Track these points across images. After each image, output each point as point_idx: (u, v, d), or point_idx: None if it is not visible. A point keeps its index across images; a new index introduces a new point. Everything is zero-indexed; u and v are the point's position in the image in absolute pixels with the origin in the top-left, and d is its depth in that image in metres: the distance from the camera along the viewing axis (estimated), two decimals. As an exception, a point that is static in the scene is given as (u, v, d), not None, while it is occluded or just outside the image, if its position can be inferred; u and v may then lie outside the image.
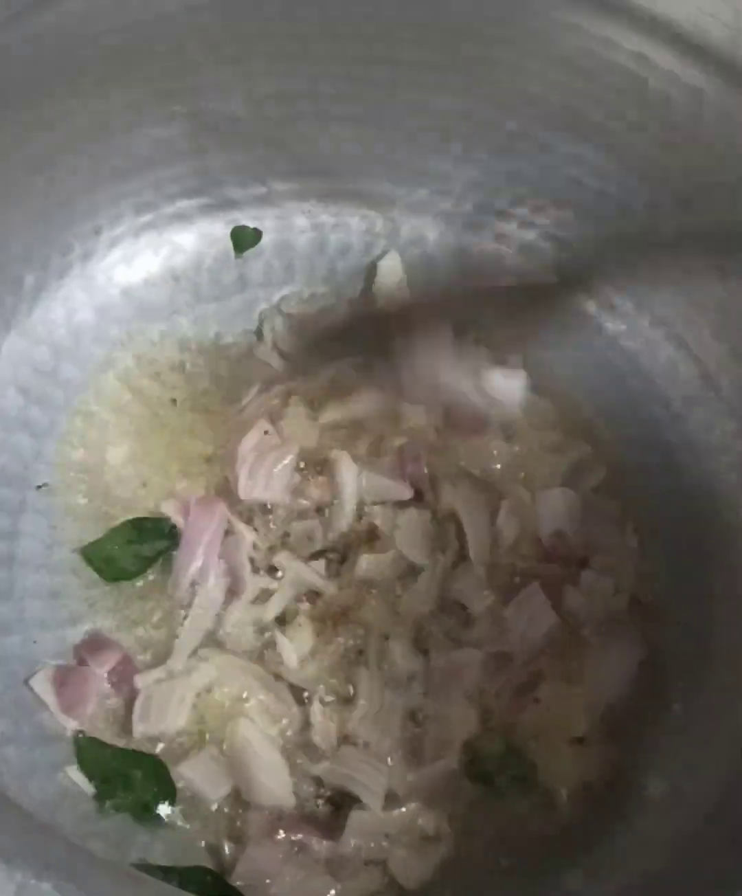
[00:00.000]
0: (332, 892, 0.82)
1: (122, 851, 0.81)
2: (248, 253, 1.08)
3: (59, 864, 0.59)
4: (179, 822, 0.85)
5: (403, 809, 0.85)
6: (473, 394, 0.96)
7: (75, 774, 0.84)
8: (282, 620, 0.92)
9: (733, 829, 0.79)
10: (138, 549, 0.92)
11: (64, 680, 0.87)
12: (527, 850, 0.85)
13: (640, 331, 1.05)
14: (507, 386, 0.97)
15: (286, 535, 0.96)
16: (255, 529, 0.95)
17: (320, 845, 0.83)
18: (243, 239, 1.07)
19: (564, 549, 0.94)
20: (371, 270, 1.08)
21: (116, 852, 0.80)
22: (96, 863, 0.69)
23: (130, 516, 0.95)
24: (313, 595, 0.94)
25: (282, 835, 0.83)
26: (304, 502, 0.96)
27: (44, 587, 0.91)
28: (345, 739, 0.87)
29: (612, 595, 0.94)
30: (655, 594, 0.96)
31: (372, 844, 0.84)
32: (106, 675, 0.88)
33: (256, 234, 1.08)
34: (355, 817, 0.83)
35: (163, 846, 0.82)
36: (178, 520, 0.93)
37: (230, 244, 1.08)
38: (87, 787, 0.83)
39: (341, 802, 0.86)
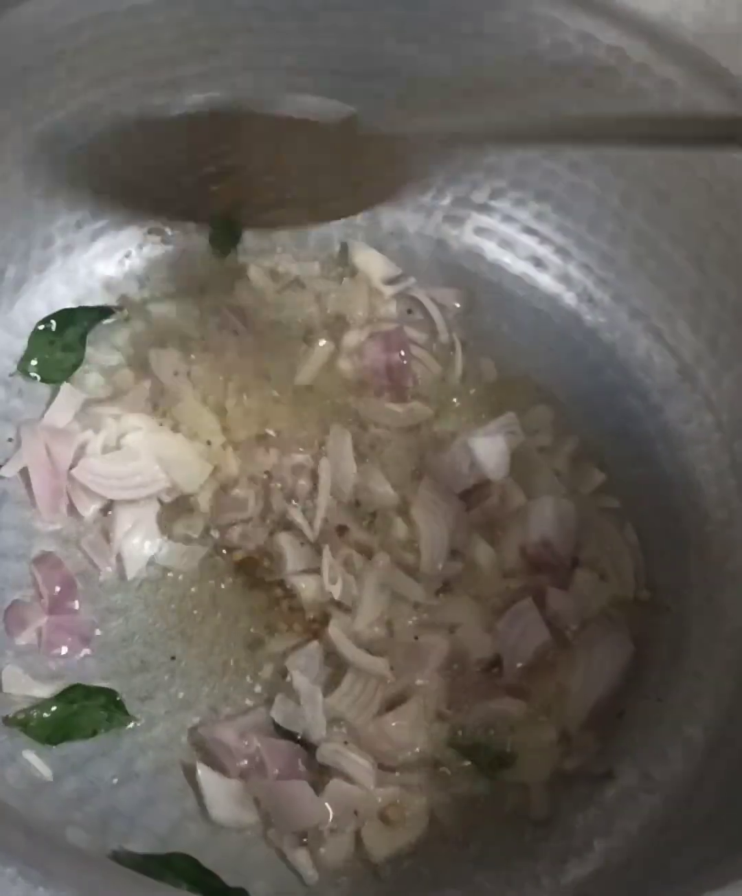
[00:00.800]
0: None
1: (101, 840, 0.81)
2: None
3: (23, 849, 0.59)
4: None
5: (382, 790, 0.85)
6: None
7: (32, 757, 0.84)
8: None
9: (704, 817, 0.80)
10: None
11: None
12: (497, 836, 0.85)
13: (618, 323, 1.05)
14: (489, 450, 0.97)
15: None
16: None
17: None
18: (224, 237, 1.08)
19: (550, 557, 0.94)
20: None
21: (95, 841, 0.81)
22: (67, 851, 0.70)
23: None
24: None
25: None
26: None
27: (24, 578, 0.91)
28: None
29: (602, 592, 0.94)
30: (641, 587, 0.96)
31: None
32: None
33: (237, 235, 1.08)
34: (334, 786, 0.84)
35: (143, 835, 0.83)
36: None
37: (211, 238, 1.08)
38: (45, 771, 0.83)
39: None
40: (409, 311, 1.07)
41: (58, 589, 0.90)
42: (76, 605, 0.91)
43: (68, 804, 0.82)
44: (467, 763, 0.87)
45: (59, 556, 0.92)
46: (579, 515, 0.96)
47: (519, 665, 0.90)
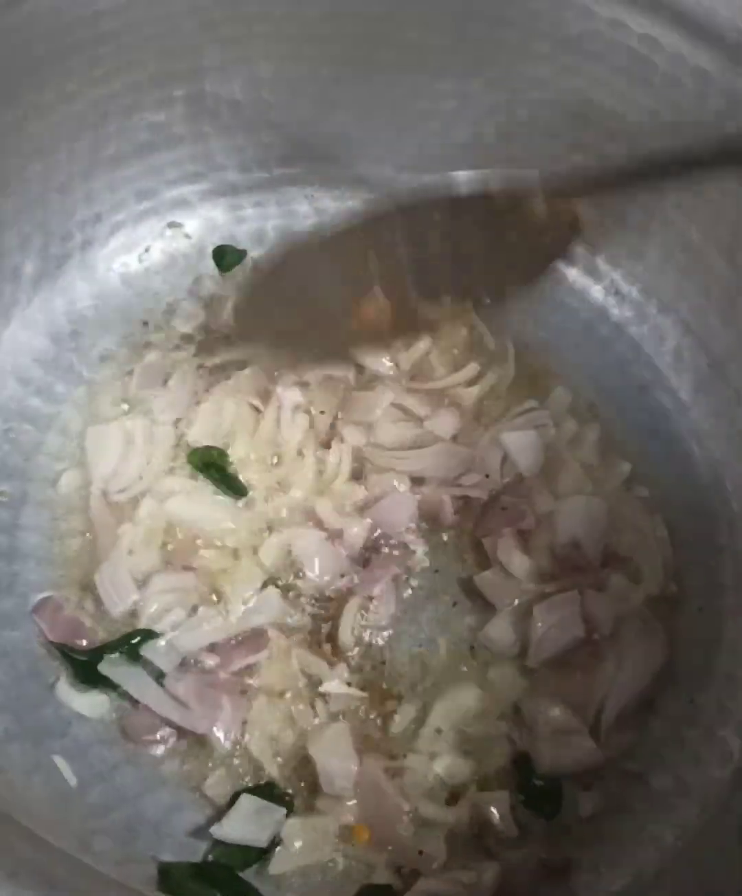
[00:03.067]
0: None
1: (128, 848, 0.80)
2: (252, 240, 1.07)
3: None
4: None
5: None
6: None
7: (60, 762, 0.83)
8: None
9: (740, 826, 0.79)
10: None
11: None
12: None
13: (647, 317, 1.04)
14: (522, 444, 0.97)
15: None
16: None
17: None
18: (228, 258, 1.06)
19: (579, 558, 0.93)
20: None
21: (123, 849, 0.80)
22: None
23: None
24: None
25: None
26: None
27: (47, 581, 0.90)
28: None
29: (636, 594, 0.92)
30: (669, 582, 0.94)
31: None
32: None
33: (240, 254, 1.06)
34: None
35: (171, 842, 0.82)
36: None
37: (233, 230, 1.07)
38: (71, 778, 0.83)
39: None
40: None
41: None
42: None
43: (94, 812, 0.82)
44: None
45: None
46: (610, 512, 0.95)
47: (544, 657, 0.89)
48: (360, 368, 1.01)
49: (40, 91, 0.89)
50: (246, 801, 0.82)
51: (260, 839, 0.81)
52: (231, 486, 0.94)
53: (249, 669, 0.88)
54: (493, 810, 0.83)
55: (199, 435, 0.96)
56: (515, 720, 0.88)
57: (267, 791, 0.84)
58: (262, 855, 0.81)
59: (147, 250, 1.04)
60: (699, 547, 0.95)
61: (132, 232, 1.04)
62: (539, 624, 0.89)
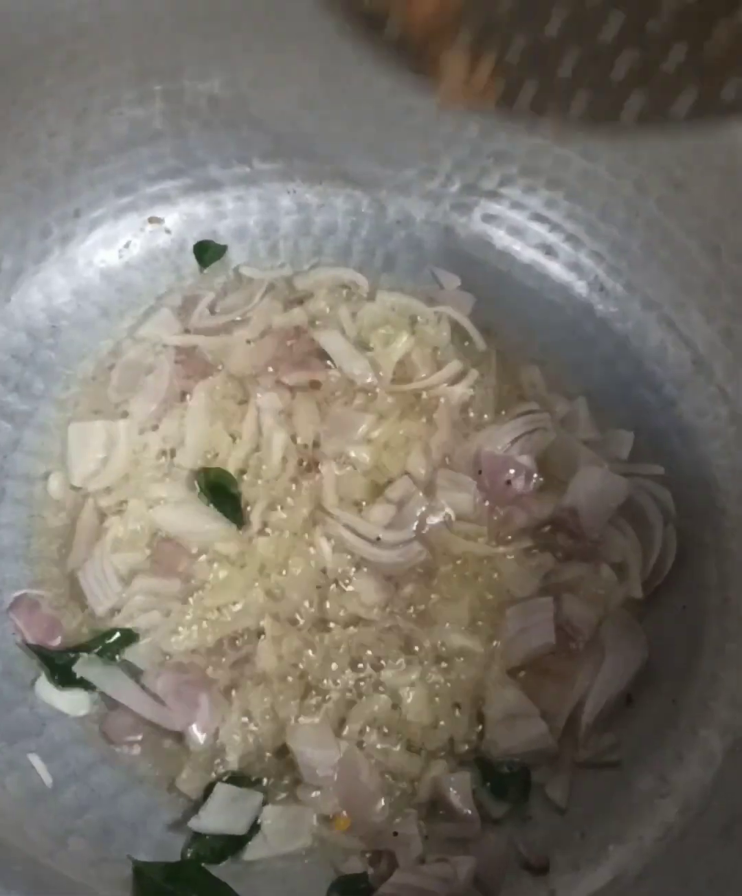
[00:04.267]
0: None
1: (103, 848, 0.79)
2: (233, 236, 1.06)
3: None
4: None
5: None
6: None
7: (36, 761, 0.82)
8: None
9: (722, 827, 0.78)
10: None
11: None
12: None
13: (630, 313, 1.03)
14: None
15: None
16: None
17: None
18: (208, 253, 1.06)
19: (573, 526, 0.93)
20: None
21: (98, 849, 0.79)
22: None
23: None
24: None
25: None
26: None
27: (23, 579, 0.89)
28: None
29: (618, 593, 0.92)
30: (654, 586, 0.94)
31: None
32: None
33: (221, 249, 1.06)
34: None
35: (147, 843, 0.81)
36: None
37: (214, 225, 1.06)
38: (47, 778, 0.82)
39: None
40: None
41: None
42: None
43: (69, 812, 0.81)
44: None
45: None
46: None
47: (513, 662, 0.89)
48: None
49: (19, 86, 0.89)
50: (221, 790, 0.82)
51: (238, 827, 0.81)
52: (233, 512, 0.93)
53: (231, 665, 0.87)
54: (452, 789, 0.83)
55: (190, 449, 0.95)
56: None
57: (241, 779, 0.83)
58: (241, 844, 0.81)
59: (127, 246, 1.03)
60: (681, 544, 0.94)
61: (112, 227, 1.03)
62: (509, 626, 0.89)
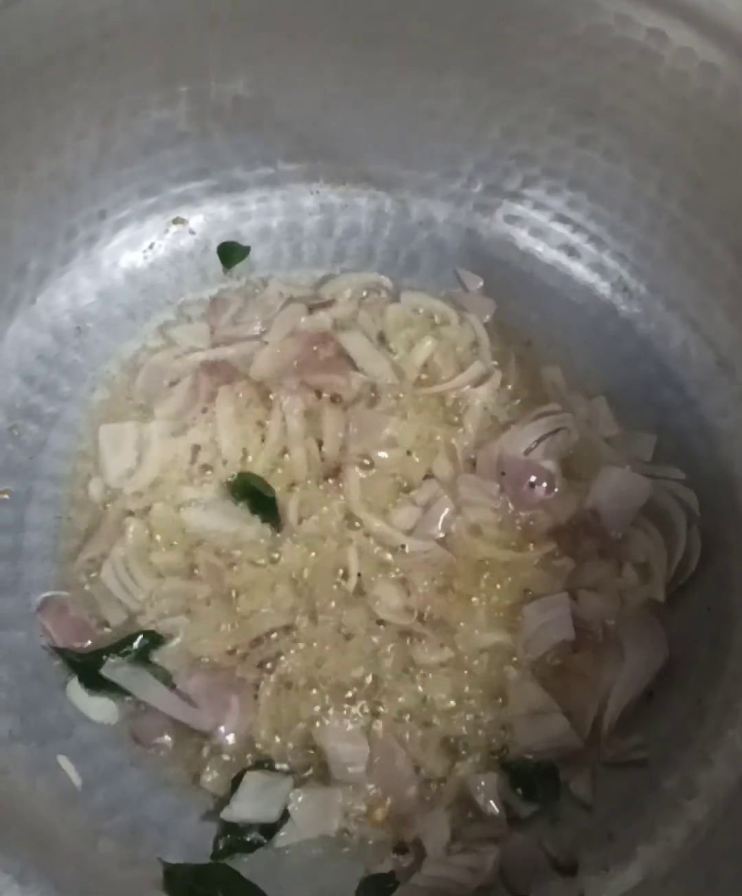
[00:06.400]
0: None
1: (133, 849, 0.80)
2: (257, 236, 1.06)
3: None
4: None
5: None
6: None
7: (65, 762, 0.83)
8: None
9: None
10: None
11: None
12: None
13: (653, 314, 1.03)
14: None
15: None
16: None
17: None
18: (232, 254, 1.06)
19: (597, 526, 0.93)
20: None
21: (128, 850, 0.80)
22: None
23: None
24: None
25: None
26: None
27: (52, 580, 0.90)
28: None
29: (640, 593, 0.92)
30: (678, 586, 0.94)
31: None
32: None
33: (245, 251, 1.06)
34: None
35: (176, 844, 0.81)
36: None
37: (238, 226, 1.06)
38: (76, 779, 0.82)
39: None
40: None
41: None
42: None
43: (99, 814, 0.81)
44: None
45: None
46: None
47: (533, 657, 0.89)
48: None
49: (47, 88, 0.89)
50: (251, 778, 0.83)
51: (270, 814, 0.82)
52: (269, 515, 0.93)
53: (258, 665, 0.88)
54: (480, 788, 0.84)
55: (224, 452, 0.95)
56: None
57: (268, 766, 0.84)
58: (272, 832, 0.82)
59: (152, 247, 1.04)
60: (706, 546, 0.94)
61: (137, 229, 1.03)
62: (528, 623, 0.90)
